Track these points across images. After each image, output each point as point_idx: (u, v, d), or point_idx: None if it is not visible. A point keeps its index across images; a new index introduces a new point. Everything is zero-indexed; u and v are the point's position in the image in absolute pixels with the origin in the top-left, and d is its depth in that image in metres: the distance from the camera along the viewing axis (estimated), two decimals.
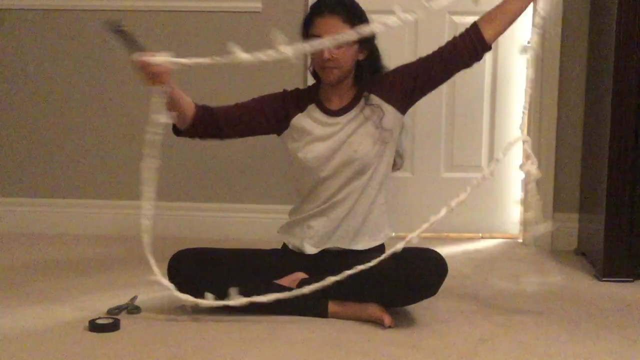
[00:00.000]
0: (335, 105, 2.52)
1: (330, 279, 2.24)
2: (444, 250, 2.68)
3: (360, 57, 2.49)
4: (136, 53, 2.15)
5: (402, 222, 3.24)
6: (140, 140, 3.55)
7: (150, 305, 2.49)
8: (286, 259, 2.51)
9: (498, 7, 2.41)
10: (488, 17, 2.41)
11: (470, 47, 2.41)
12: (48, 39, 3.61)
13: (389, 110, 2.46)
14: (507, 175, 3.67)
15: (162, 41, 3.59)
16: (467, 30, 2.43)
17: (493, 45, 3.26)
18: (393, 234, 3.44)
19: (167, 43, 3.59)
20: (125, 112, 3.65)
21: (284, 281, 2.44)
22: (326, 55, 2.38)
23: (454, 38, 2.44)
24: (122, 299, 2.52)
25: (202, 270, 2.40)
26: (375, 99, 2.46)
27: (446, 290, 2.47)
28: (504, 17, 2.39)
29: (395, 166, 2.60)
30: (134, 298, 2.52)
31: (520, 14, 2.40)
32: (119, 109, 3.66)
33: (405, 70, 2.49)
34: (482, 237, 3.64)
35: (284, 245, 2.59)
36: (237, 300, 2.23)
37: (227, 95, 3.44)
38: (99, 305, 2.48)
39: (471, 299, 2.65)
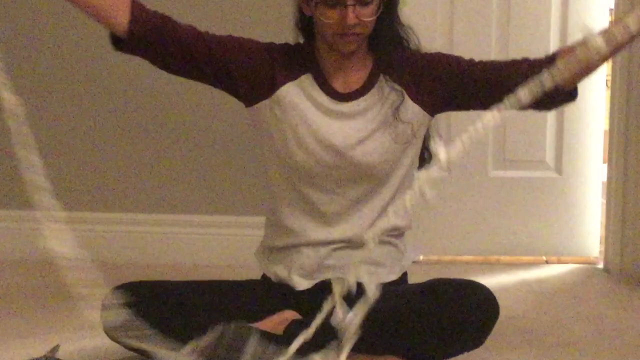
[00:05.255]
0: (340, 83, 2.22)
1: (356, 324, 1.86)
2: (493, 281, 2.46)
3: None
4: None
5: (434, 240, 2.93)
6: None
7: (79, 357, 2.25)
8: (268, 293, 2.22)
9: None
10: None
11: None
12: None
13: (409, 104, 2.22)
14: (582, 177, 3.30)
15: None
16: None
17: None
18: (421, 258, 3.15)
19: None
20: None
21: (267, 324, 2.11)
22: (351, 19, 2.06)
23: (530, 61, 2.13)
24: (39, 349, 2.25)
25: (152, 312, 2.07)
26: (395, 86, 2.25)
27: (494, 337, 2.14)
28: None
29: (424, 162, 2.32)
30: (55, 348, 2.23)
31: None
32: None
33: (449, 60, 2.21)
34: (547, 262, 3.32)
35: (265, 275, 2.27)
36: None
37: None
38: (5, 359, 2.25)
39: (528, 350, 2.35)
